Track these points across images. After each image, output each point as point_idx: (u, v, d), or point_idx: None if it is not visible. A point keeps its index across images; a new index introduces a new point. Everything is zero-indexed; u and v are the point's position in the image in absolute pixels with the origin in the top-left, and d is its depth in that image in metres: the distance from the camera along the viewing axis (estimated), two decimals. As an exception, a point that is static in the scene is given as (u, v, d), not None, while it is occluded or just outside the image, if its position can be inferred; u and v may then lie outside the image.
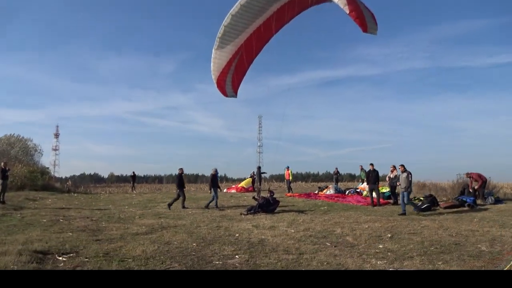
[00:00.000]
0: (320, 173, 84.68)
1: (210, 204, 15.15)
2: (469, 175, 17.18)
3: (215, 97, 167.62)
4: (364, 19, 10.27)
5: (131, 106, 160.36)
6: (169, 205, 15.00)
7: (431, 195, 14.94)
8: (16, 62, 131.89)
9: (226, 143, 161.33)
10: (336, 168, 27.87)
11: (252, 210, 13.16)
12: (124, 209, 15.23)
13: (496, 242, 8.17)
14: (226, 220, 11.90)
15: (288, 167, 25.22)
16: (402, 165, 13.63)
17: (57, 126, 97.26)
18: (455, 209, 13.89)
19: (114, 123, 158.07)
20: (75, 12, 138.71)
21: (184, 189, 15.62)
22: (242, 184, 28.57)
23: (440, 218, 11.89)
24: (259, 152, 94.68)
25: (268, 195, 14.41)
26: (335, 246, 7.86)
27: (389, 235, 8.94)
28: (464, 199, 14.45)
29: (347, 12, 10.06)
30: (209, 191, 16.05)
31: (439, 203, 14.61)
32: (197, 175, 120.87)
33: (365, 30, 10.31)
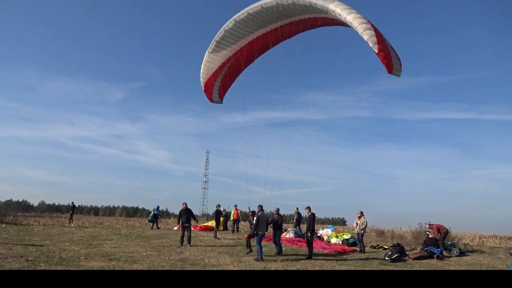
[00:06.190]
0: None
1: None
2: (430, 226, 17.23)
3: (164, 128, 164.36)
4: (391, 60, 10.30)
5: (73, 131, 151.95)
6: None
7: (398, 244, 14.57)
8: None
9: (171, 176, 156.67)
10: (297, 208, 23.59)
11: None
12: (65, 247, 13.10)
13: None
14: (188, 265, 10.47)
15: (236, 206, 24.00)
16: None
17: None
18: (424, 260, 13.60)
19: (51, 147, 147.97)
20: (20, 28, 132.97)
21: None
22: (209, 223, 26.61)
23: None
24: (204, 188, 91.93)
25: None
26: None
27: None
28: (432, 250, 14.25)
29: (376, 51, 10.13)
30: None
31: (407, 253, 14.27)
32: (137, 208, 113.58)
33: (390, 71, 10.27)
